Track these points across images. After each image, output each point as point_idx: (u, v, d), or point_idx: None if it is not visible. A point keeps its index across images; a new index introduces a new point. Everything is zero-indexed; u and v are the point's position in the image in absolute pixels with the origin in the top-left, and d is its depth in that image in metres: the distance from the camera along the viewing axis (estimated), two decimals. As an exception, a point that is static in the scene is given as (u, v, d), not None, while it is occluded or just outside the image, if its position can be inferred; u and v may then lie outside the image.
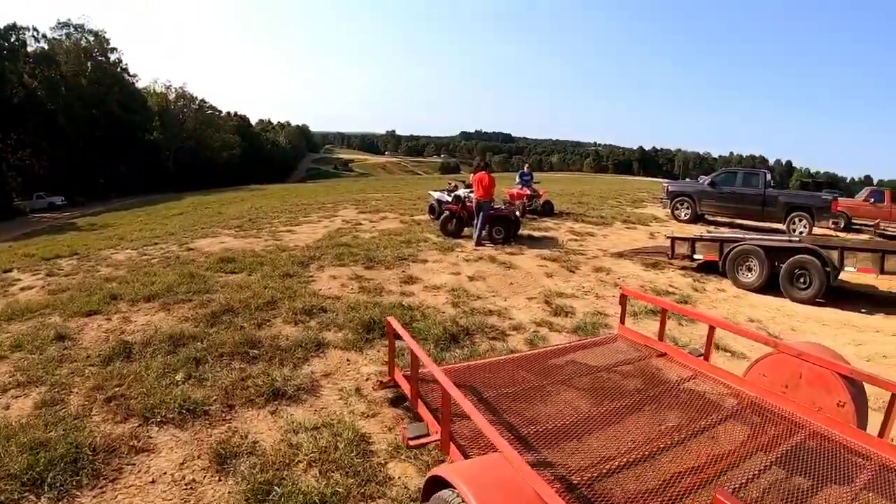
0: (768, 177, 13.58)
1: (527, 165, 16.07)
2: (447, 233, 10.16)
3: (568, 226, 12.30)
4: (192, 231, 12.01)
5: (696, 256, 8.38)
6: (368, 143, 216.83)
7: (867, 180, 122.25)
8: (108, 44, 49.99)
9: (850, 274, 7.14)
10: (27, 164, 40.82)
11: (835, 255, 6.98)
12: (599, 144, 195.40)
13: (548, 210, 13.80)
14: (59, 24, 46.71)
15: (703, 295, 7.39)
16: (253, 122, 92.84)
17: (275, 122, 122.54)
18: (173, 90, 58.95)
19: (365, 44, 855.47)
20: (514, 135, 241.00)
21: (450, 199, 12.13)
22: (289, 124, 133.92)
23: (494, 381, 3.05)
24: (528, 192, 13.58)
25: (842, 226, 13.80)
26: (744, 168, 14.40)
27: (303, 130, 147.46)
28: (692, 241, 8.45)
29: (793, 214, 12.81)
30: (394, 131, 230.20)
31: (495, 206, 9.86)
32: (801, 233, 12.44)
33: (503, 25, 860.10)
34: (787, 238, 7.76)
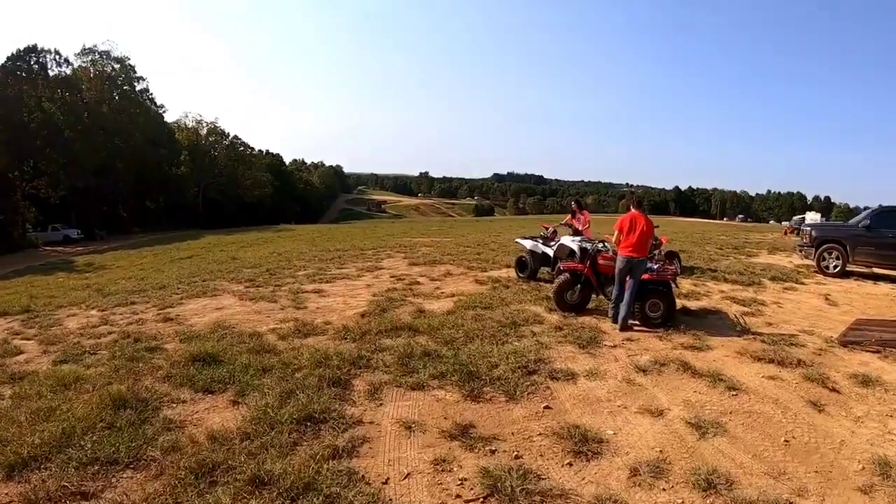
0: None
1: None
2: (564, 306, 6.54)
3: (714, 288, 8.53)
4: (190, 284, 9.28)
5: None
6: (401, 185, 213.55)
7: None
8: (135, 72, 47.48)
9: None
10: (43, 195, 38.38)
11: None
12: (632, 185, 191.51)
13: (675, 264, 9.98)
14: (84, 49, 44.31)
15: None
16: (287, 161, 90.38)
17: (308, 161, 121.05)
18: (205, 125, 56.80)
19: (398, 87, 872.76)
20: (546, 176, 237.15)
21: (549, 249, 8.56)
22: (322, 164, 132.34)
23: None
24: (645, 238, 9.77)
25: None
26: None
27: (336, 171, 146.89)
28: None
29: None
30: (427, 173, 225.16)
31: (651, 267, 6.21)
32: None
33: (534, 69, 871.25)
34: None
